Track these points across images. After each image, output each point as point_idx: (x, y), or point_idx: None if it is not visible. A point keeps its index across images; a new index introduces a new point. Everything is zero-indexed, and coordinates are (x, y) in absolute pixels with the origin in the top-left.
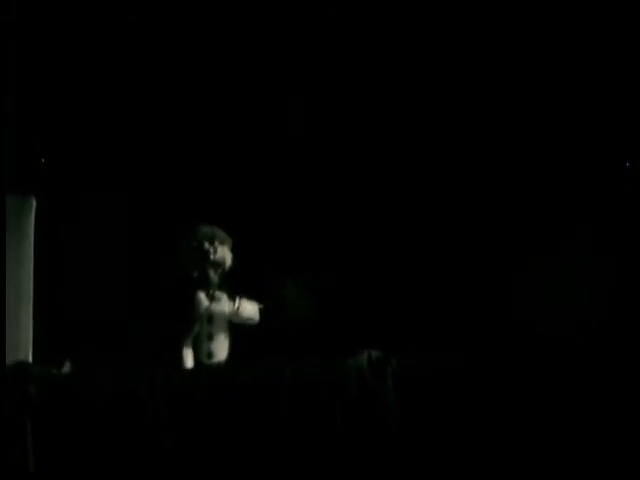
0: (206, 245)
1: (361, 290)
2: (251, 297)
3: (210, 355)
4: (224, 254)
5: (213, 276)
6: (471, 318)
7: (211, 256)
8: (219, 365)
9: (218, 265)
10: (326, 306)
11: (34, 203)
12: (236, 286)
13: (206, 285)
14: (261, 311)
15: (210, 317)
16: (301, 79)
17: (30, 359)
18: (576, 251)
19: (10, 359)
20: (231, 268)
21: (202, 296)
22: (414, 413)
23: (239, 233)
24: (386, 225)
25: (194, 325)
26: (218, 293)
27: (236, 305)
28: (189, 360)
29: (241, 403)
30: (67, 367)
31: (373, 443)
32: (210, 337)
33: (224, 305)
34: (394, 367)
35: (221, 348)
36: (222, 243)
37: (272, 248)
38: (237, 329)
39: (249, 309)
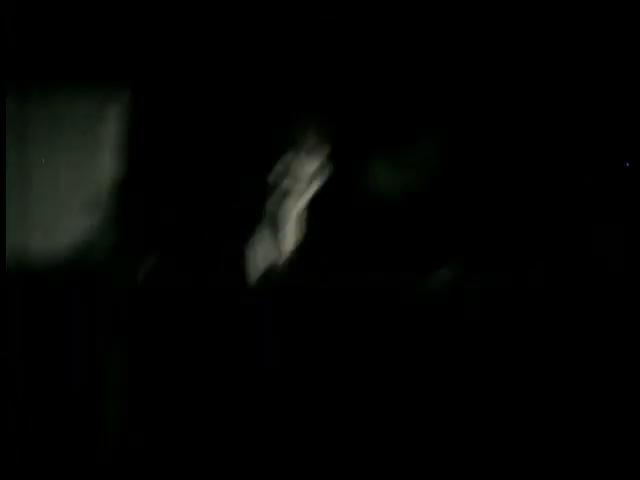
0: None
1: None
2: None
3: (279, 252)
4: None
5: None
6: None
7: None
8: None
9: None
10: None
11: None
12: None
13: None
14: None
15: (278, 213)
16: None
17: None
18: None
19: None
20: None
21: (270, 186)
22: None
23: None
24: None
25: (261, 220)
26: (287, 183)
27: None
28: (256, 257)
29: None
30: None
31: None
32: (277, 233)
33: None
34: (473, 286)
35: (288, 245)
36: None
37: None
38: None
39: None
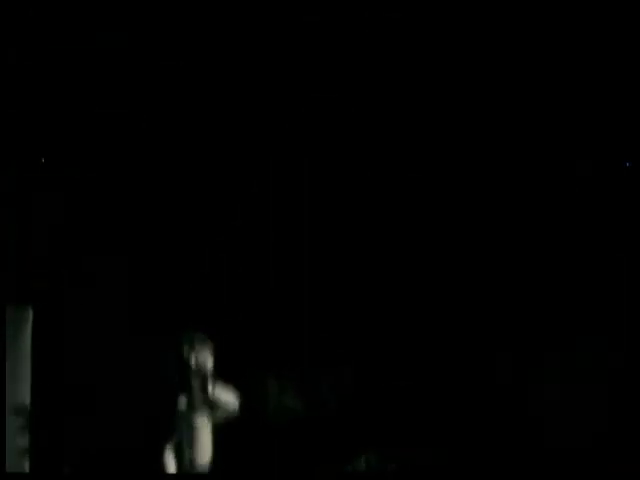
0: (186, 352)
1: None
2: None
3: (192, 462)
4: (204, 359)
5: (194, 383)
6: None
7: (191, 362)
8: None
9: (199, 371)
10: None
11: (31, 313)
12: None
13: (188, 392)
14: (242, 404)
15: (191, 424)
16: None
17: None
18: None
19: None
20: (212, 372)
21: (183, 403)
22: None
23: (229, 320)
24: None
25: (175, 432)
26: (199, 400)
27: (210, 390)
28: (171, 467)
29: None
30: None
31: None
32: (191, 444)
33: (205, 412)
34: (392, 472)
35: (203, 455)
36: (202, 347)
37: (261, 342)
38: (219, 434)
39: (225, 395)
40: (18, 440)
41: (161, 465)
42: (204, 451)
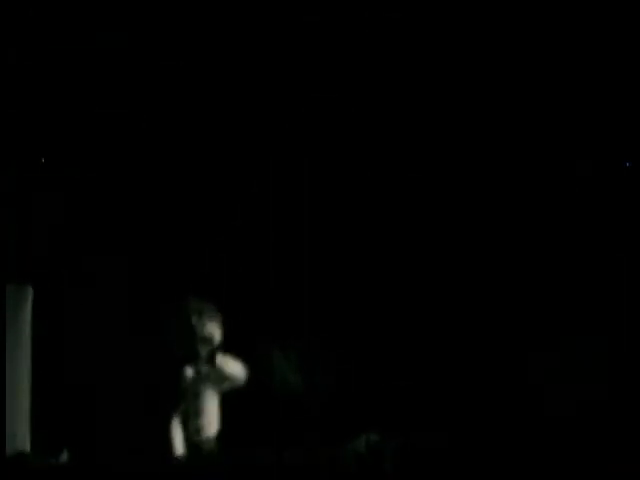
0: (194, 320)
1: (359, 369)
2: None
3: (198, 431)
4: (213, 330)
5: (201, 352)
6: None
7: (199, 331)
8: (213, 451)
9: (206, 341)
10: (325, 388)
11: (31, 292)
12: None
13: (194, 361)
14: (247, 377)
15: (197, 393)
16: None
17: (28, 448)
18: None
19: (8, 449)
20: (220, 343)
21: (189, 372)
22: None
23: (232, 302)
24: (382, 302)
25: (181, 402)
26: (205, 369)
27: (218, 361)
28: (178, 437)
29: None
30: (64, 456)
31: None
32: (198, 413)
33: (211, 381)
34: (392, 450)
35: (210, 424)
36: (211, 318)
37: (264, 321)
38: (226, 405)
39: (232, 365)
40: (18, 418)
41: (167, 434)
42: (211, 420)
